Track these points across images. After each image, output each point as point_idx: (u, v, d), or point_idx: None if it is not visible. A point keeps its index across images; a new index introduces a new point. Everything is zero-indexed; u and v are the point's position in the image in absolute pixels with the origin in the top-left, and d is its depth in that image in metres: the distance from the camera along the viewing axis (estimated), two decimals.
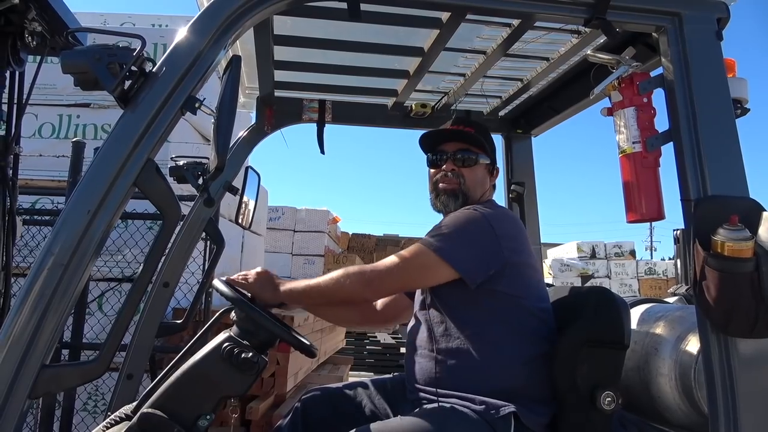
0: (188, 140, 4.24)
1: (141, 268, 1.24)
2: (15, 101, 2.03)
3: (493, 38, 1.85)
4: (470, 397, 1.54)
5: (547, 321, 1.65)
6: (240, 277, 1.68)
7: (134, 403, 1.65)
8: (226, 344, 1.43)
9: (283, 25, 1.85)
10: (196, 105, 1.24)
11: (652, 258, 26.29)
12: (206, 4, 1.31)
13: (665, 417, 1.69)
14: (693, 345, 1.61)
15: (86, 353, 3.29)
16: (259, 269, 1.72)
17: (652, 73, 1.63)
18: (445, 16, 1.66)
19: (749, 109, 1.66)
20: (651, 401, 1.72)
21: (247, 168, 2.22)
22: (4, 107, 1.98)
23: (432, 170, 1.81)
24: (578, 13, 1.48)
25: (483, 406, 1.51)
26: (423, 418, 1.50)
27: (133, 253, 3.70)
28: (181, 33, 1.26)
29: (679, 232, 5.97)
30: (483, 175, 1.80)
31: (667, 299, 2.33)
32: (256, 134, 2.30)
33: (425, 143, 1.84)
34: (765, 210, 1.40)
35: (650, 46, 1.66)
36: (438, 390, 1.59)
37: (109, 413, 1.84)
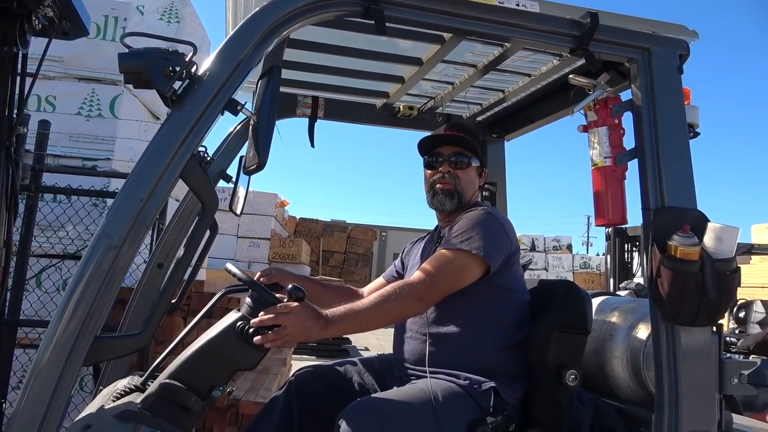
0: (137, 117, 4.21)
1: (182, 251, 1.37)
2: (19, 82, 2.07)
3: (485, 54, 2.05)
4: (456, 373, 1.75)
5: (526, 311, 1.89)
6: (267, 335, 1.46)
7: (134, 376, 1.77)
8: (240, 322, 1.56)
9: None
10: (238, 107, 1.38)
11: (587, 252, 27.53)
12: (239, 17, 1.44)
13: (617, 394, 1.96)
14: (643, 332, 1.88)
15: (24, 329, 3.22)
16: (293, 305, 1.50)
17: (623, 97, 1.88)
18: (447, 34, 1.85)
19: (699, 133, 1.94)
20: (605, 380, 1.99)
21: (241, 157, 2.34)
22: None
23: (429, 171, 2.00)
24: (566, 43, 1.70)
25: (467, 381, 1.73)
26: (414, 390, 1.70)
27: (78, 230, 3.62)
28: (225, 41, 1.39)
29: (611, 230, 6.45)
30: (474, 177, 2.00)
31: (619, 293, 2.63)
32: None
33: (422, 147, 2.02)
34: (710, 221, 1.67)
35: (621, 72, 1.90)
36: (427, 368, 1.79)
37: (101, 387, 1.94)
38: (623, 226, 6.11)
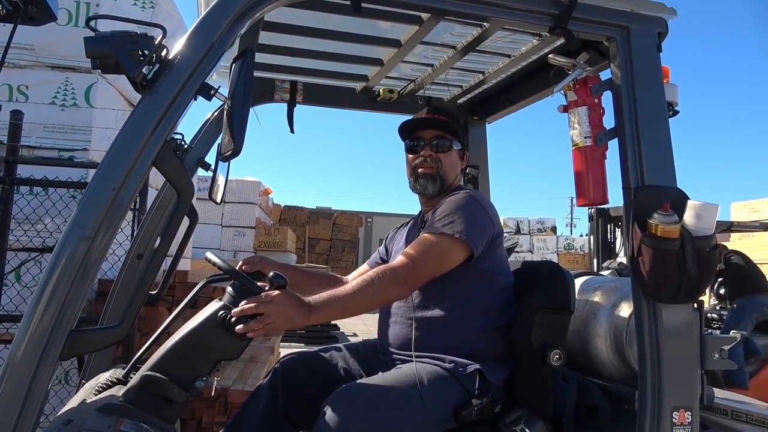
0: (113, 106, 4.13)
1: (159, 241, 1.34)
2: None
3: (463, 35, 2.02)
4: (440, 356, 1.75)
5: (510, 294, 1.89)
6: (249, 324, 1.45)
7: (116, 369, 1.74)
8: (222, 312, 1.54)
9: None
10: (211, 92, 1.35)
11: (571, 234, 27.81)
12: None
13: (600, 372, 1.98)
14: (625, 311, 1.89)
15: (4, 325, 3.18)
16: (274, 293, 1.49)
17: (602, 76, 1.87)
18: (425, 14, 1.82)
19: (678, 111, 1.93)
20: (589, 359, 2.00)
21: (219, 144, 2.30)
22: None
23: (410, 156, 1.98)
24: (544, 22, 1.68)
25: (452, 365, 1.73)
26: (400, 374, 1.70)
27: (56, 222, 3.56)
28: (196, 23, 1.35)
29: (593, 211, 6.52)
30: (456, 160, 1.99)
31: (601, 272, 2.65)
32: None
33: (403, 131, 2.00)
34: (689, 199, 1.68)
35: (600, 52, 1.89)
36: (413, 352, 1.79)
37: (83, 381, 1.92)
38: (605, 206, 6.19)
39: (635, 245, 1.64)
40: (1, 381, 1.16)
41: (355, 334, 9.87)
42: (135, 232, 3.32)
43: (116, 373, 1.67)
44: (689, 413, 1.64)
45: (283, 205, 15.44)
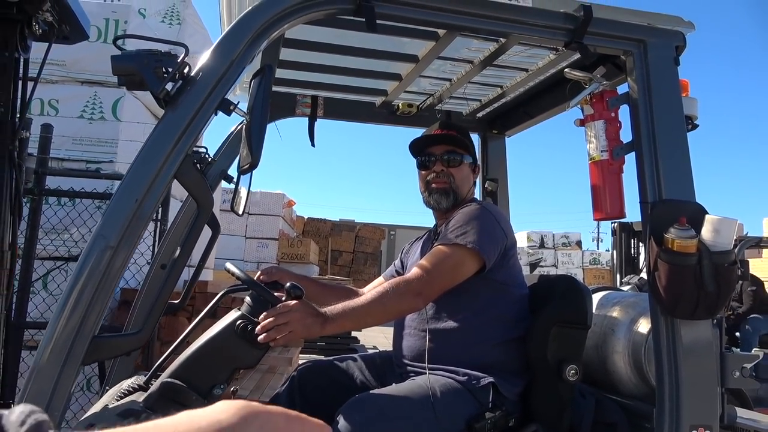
0: (139, 120, 4.25)
1: (179, 251, 1.38)
2: (21, 87, 2.10)
3: (480, 50, 2.04)
4: (454, 369, 1.76)
5: (525, 306, 1.89)
6: (268, 330, 1.49)
7: (138, 376, 1.79)
8: (240, 321, 1.58)
9: None
10: (231, 107, 1.39)
11: (598, 248, 27.33)
12: (233, 17, 1.45)
13: (618, 389, 1.96)
14: (644, 327, 1.87)
15: (29, 332, 3.24)
16: (291, 303, 1.52)
17: (619, 90, 1.87)
18: (441, 30, 1.85)
19: (698, 125, 1.92)
20: (607, 375, 1.98)
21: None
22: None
23: (423, 172, 2.00)
24: (560, 37, 1.69)
25: (466, 377, 1.73)
26: (413, 385, 1.70)
27: (81, 233, 3.64)
28: (217, 41, 1.40)
29: (616, 225, 6.43)
30: (468, 173, 2.00)
31: (621, 287, 2.62)
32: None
33: (414, 147, 2.03)
34: (707, 213, 1.66)
35: (617, 66, 1.89)
36: (426, 364, 1.79)
37: (107, 387, 1.97)
38: (627, 220, 6.11)
39: (652, 260, 1.63)
40: (27, 385, 1.21)
41: (375, 347, 9.85)
42: (157, 242, 3.42)
43: (138, 380, 1.71)
44: None
45: (306, 217, 15.54)
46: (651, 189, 1.70)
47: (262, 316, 1.51)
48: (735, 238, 1.66)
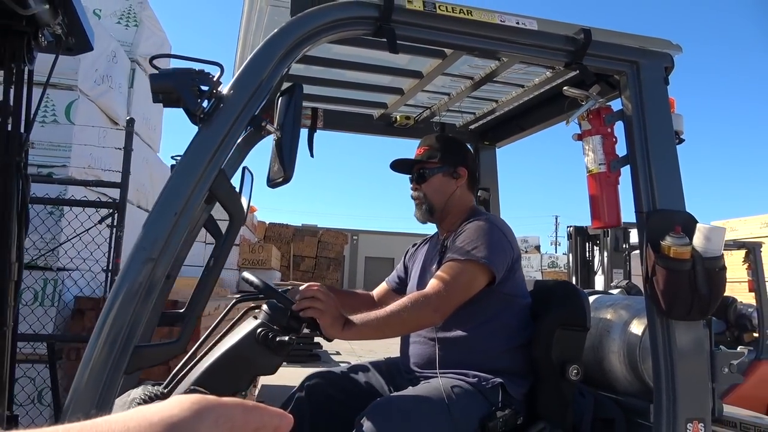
0: (93, 123, 4.11)
1: (212, 261, 1.43)
2: (25, 97, 2.11)
3: (481, 68, 2.15)
4: (464, 372, 1.85)
5: (528, 314, 1.99)
6: (305, 299, 1.65)
7: (146, 386, 1.81)
8: (261, 329, 1.64)
9: None
10: (262, 123, 1.45)
11: (556, 252, 27.86)
12: (250, 33, 1.51)
13: (615, 387, 2.08)
14: (638, 328, 1.99)
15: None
16: (330, 302, 1.66)
17: (614, 107, 2.00)
18: (449, 50, 1.94)
19: (684, 139, 2.06)
20: (603, 374, 2.10)
21: (243, 168, 2.40)
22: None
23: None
24: (561, 57, 1.81)
25: (476, 379, 1.82)
26: (429, 388, 1.78)
27: (32, 239, 3.33)
28: (248, 61, 1.46)
29: (572, 228, 6.67)
30: (440, 182, 2.09)
31: (611, 291, 2.76)
32: (253, 137, 2.48)
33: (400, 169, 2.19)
34: (698, 222, 1.79)
35: (610, 84, 2.02)
36: (437, 370, 1.87)
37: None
38: (581, 224, 6.36)
39: (649, 266, 1.75)
40: (72, 397, 1.24)
41: (338, 353, 9.87)
42: (112, 249, 3.32)
43: (148, 389, 1.74)
44: (702, 425, 1.73)
45: (267, 222, 15.31)
46: (645, 199, 1.82)
47: (304, 286, 1.67)
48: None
